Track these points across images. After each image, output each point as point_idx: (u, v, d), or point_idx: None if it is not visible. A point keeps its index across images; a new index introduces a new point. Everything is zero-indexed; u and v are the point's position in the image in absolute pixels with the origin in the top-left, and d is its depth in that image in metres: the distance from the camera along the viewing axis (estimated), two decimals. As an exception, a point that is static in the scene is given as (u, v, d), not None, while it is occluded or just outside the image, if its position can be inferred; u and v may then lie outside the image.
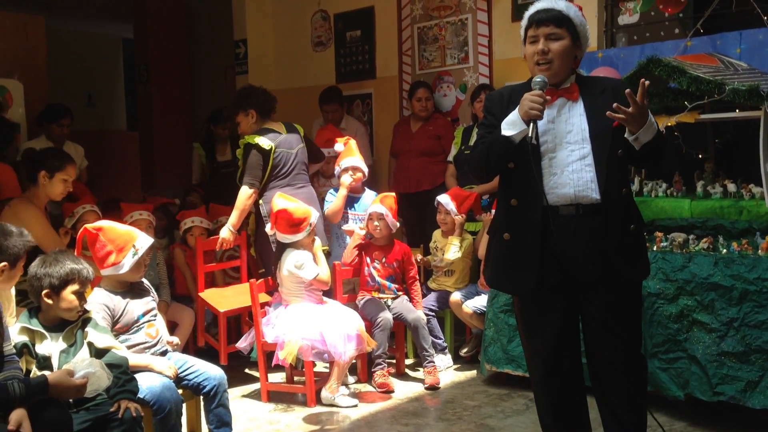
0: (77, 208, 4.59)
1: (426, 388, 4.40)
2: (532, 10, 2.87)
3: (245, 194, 4.65)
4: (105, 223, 3.49)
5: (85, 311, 3.06)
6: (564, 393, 2.92)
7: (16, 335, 2.88)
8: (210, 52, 8.82)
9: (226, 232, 4.68)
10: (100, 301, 3.27)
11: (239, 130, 4.91)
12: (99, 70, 10.37)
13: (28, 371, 2.88)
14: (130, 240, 3.39)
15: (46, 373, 2.77)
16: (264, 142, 4.67)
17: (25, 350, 2.87)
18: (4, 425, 2.47)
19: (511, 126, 2.75)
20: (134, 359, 3.20)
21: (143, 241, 3.43)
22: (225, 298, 4.78)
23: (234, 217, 4.68)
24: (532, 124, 2.71)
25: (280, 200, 4.31)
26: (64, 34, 9.32)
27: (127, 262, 3.34)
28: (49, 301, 2.94)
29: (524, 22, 2.88)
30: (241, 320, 4.96)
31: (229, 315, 4.72)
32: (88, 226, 3.44)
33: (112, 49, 10.67)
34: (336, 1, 6.74)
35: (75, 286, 2.96)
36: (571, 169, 2.76)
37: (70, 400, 2.79)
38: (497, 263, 2.97)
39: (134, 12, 8.87)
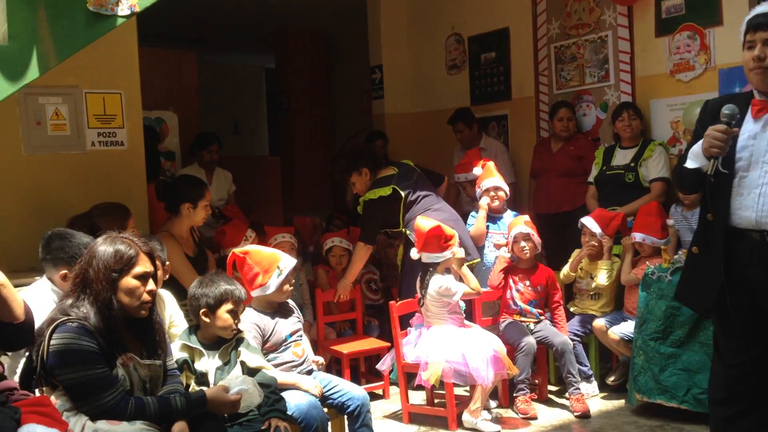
0: (247, 232, 4.82)
1: (576, 416, 4.26)
2: (752, 13, 2.71)
3: (361, 251, 4.87)
4: (251, 247, 3.65)
5: (239, 331, 3.21)
6: (742, 426, 2.73)
7: (177, 351, 3.07)
8: (347, 78, 9.09)
9: (343, 285, 4.89)
10: (251, 321, 3.41)
11: (354, 190, 5.03)
12: (244, 100, 10.92)
13: (188, 386, 3.05)
14: (274, 261, 3.53)
15: (204, 388, 2.92)
16: (384, 190, 4.78)
17: (185, 366, 3.05)
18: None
19: (695, 158, 2.65)
20: (282, 377, 3.31)
21: (287, 262, 3.56)
22: (346, 345, 4.87)
23: (350, 272, 4.91)
24: (712, 161, 2.57)
25: (425, 221, 4.34)
26: (212, 67, 9.91)
27: (273, 283, 3.48)
28: (207, 320, 3.12)
29: (743, 26, 2.73)
30: (358, 370, 5.02)
31: (352, 357, 4.79)
32: (236, 250, 3.61)
33: (255, 80, 11.22)
34: (470, 24, 6.77)
35: (229, 306, 3.12)
36: (758, 192, 2.59)
37: (225, 415, 2.92)
38: (685, 276, 2.89)
39: (276, 43, 9.30)
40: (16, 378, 2.71)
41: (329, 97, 9.45)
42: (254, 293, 3.51)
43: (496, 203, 4.95)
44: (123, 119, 4.70)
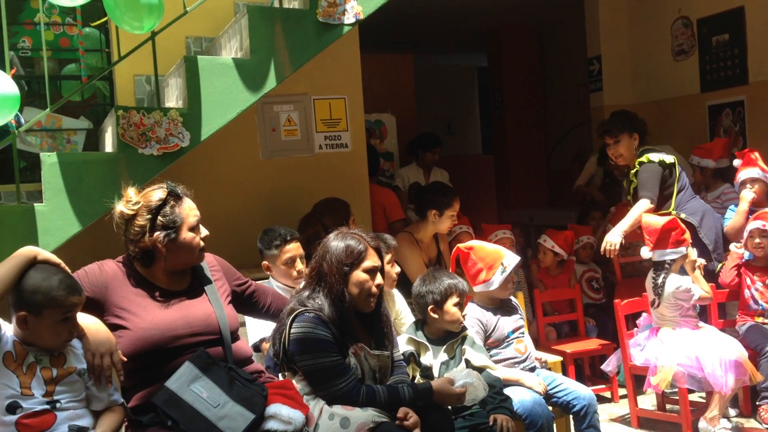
0: (454, 227, 4.88)
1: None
2: None
3: (643, 205, 4.38)
4: (475, 243, 3.68)
5: (464, 329, 3.26)
6: None
7: (404, 345, 3.17)
8: (562, 71, 8.88)
9: (614, 236, 4.28)
10: (473, 316, 3.44)
11: (612, 151, 4.69)
12: (457, 100, 11.05)
13: (413, 378, 3.14)
14: (498, 258, 3.53)
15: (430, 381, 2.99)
16: (666, 157, 4.53)
17: (411, 359, 3.15)
18: (394, 425, 2.69)
19: None
20: (505, 373, 3.30)
21: (510, 258, 3.55)
22: (569, 345, 4.75)
23: (625, 224, 4.34)
24: None
25: (654, 217, 4.11)
26: (427, 68, 10.12)
27: (497, 279, 3.49)
28: (435, 316, 3.20)
29: None
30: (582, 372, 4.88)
31: (575, 358, 4.65)
32: (461, 245, 3.66)
33: (468, 79, 11.31)
34: (699, 5, 6.30)
35: (455, 299, 3.18)
36: None
37: (449, 407, 2.97)
38: None
39: (488, 41, 9.31)
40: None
41: (543, 92, 9.28)
42: (477, 289, 3.54)
43: (754, 197, 4.52)
44: (347, 122, 4.94)
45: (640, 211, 4.38)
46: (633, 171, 4.61)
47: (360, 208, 4.79)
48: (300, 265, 3.44)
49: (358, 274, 2.78)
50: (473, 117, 11.41)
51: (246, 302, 2.95)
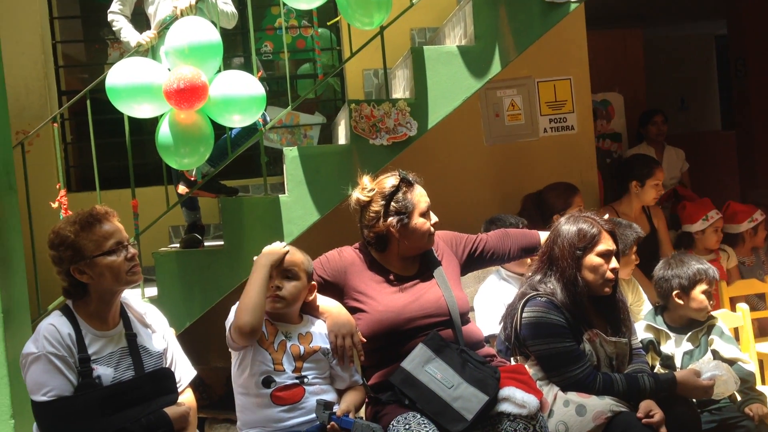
0: (711, 212, 4.52)
1: None
2: None
3: None
4: None
5: (711, 317, 3.04)
6: None
7: (642, 332, 3.02)
8: (818, 32, 7.91)
9: None
10: None
11: None
12: (691, 73, 10.29)
13: (652, 367, 2.99)
14: None
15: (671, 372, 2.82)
16: None
17: (650, 347, 3.00)
18: (634, 415, 2.57)
19: None
20: None
21: None
22: None
23: None
24: None
25: None
26: (657, 41, 9.53)
27: None
28: (680, 302, 3.02)
29: None
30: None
31: None
32: None
33: (703, 49, 10.48)
34: None
35: (703, 286, 2.99)
36: None
37: (693, 400, 2.78)
38: None
39: (728, 6, 8.56)
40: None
41: (794, 57, 8.34)
42: None
43: None
44: (573, 104, 4.79)
45: None
46: None
47: (588, 190, 4.62)
48: None
49: (592, 258, 2.70)
50: (711, 90, 10.56)
51: (485, 257, 2.95)
